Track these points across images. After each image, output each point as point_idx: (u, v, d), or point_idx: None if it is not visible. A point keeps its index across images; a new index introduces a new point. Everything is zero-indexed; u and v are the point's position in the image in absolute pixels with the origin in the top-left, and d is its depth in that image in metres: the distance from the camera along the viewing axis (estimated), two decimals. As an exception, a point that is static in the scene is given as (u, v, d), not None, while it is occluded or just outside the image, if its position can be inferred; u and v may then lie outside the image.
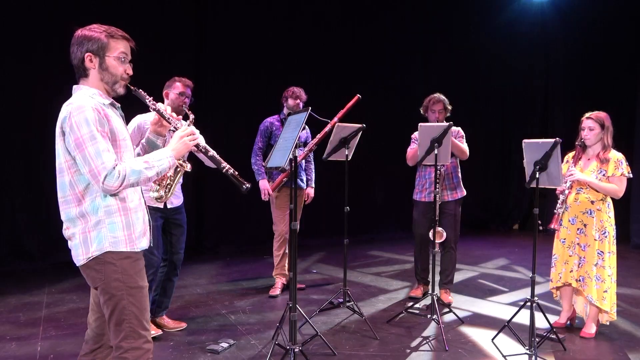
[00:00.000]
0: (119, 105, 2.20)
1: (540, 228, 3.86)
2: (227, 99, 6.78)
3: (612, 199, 3.70)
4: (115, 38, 2.10)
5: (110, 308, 2.07)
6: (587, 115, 3.75)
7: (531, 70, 8.59)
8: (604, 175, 3.64)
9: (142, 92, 2.26)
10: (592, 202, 3.67)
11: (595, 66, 7.75)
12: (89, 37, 2.07)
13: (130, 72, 2.17)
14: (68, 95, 2.13)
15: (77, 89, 2.12)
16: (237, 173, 2.30)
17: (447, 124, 3.85)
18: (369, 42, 7.59)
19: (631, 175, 3.63)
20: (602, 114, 3.72)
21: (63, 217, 2.10)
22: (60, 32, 5.79)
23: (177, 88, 3.68)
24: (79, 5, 5.63)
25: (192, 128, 2.27)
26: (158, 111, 2.32)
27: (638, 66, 7.23)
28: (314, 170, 4.97)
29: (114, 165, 1.97)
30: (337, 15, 7.49)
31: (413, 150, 4.46)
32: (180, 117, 3.69)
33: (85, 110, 1.98)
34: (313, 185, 4.95)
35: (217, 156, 2.31)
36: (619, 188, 3.60)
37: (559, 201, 3.68)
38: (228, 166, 2.30)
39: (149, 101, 2.28)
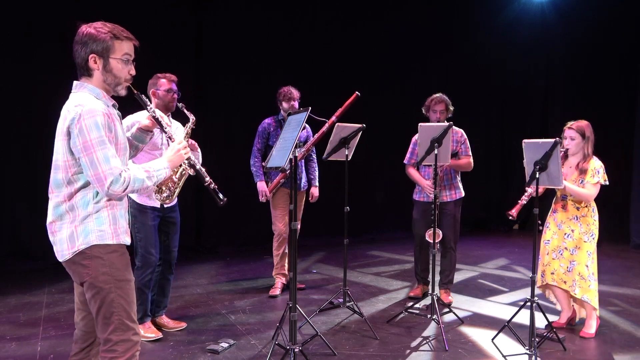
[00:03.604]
0: (117, 105, 2.22)
1: (541, 228, 3.88)
2: (226, 100, 6.77)
3: (598, 205, 3.79)
4: (120, 39, 2.10)
5: (99, 302, 2.08)
6: (568, 125, 3.79)
7: (531, 70, 8.58)
8: (582, 184, 3.71)
9: (144, 98, 2.31)
10: (578, 209, 3.76)
11: (595, 66, 7.74)
12: (94, 38, 2.07)
13: (134, 72, 2.18)
14: (68, 93, 2.13)
15: (80, 86, 2.12)
16: (216, 187, 2.44)
17: (447, 124, 3.86)
18: (368, 43, 7.58)
19: (607, 183, 3.71)
20: (583, 123, 3.77)
21: (50, 209, 2.12)
22: (60, 31, 5.79)
23: (163, 85, 3.64)
24: (79, 5, 5.62)
25: (185, 143, 2.33)
26: (157, 119, 2.39)
27: (638, 66, 7.23)
28: (317, 169, 4.95)
29: (121, 172, 2.01)
30: (337, 16, 7.48)
31: (410, 173, 4.54)
32: (169, 114, 3.72)
33: (96, 114, 1.99)
34: (317, 184, 4.92)
35: (203, 170, 2.44)
36: (589, 193, 3.67)
37: (527, 193, 3.66)
38: (210, 180, 2.43)
39: (150, 108, 2.36)
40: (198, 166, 2.41)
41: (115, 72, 2.11)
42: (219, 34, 6.68)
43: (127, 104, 2.36)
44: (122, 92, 2.18)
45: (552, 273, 3.79)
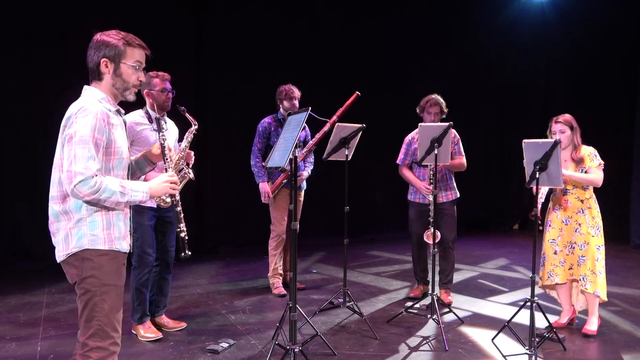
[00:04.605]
0: (123, 111, 2.24)
1: (540, 228, 3.88)
2: (227, 100, 6.76)
3: (597, 194, 3.82)
4: (133, 46, 2.16)
5: (83, 303, 2.09)
6: (554, 119, 3.83)
7: (531, 70, 8.58)
8: (585, 171, 3.75)
9: (163, 123, 2.46)
10: (582, 201, 3.77)
11: (595, 66, 7.74)
12: (107, 43, 2.12)
13: (143, 79, 2.23)
14: (71, 94, 2.16)
15: (87, 90, 2.16)
16: (186, 239, 2.44)
17: (448, 124, 3.86)
18: (368, 43, 7.59)
19: (603, 163, 3.75)
20: (568, 116, 3.83)
21: (49, 211, 2.14)
22: (60, 32, 5.80)
23: (157, 85, 3.60)
24: (79, 6, 5.63)
25: (176, 178, 2.31)
26: (163, 148, 2.41)
27: (638, 66, 7.23)
28: (312, 162, 4.87)
29: (94, 175, 1.98)
30: (337, 16, 7.48)
31: (404, 174, 4.57)
32: (164, 113, 3.68)
33: (90, 114, 2.02)
34: (308, 171, 4.79)
35: (181, 215, 2.41)
36: (597, 176, 3.70)
37: (540, 195, 3.70)
38: (183, 229, 2.42)
39: (162, 135, 2.44)
40: (179, 208, 2.39)
41: (125, 77, 2.15)
42: (219, 34, 6.67)
43: (124, 106, 2.37)
44: (130, 97, 2.22)
45: (570, 268, 3.78)
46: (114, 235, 2.13)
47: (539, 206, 3.60)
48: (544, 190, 3.75)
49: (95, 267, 2.08)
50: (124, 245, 2.19)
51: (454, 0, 8.14)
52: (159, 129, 2.46)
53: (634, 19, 7.34)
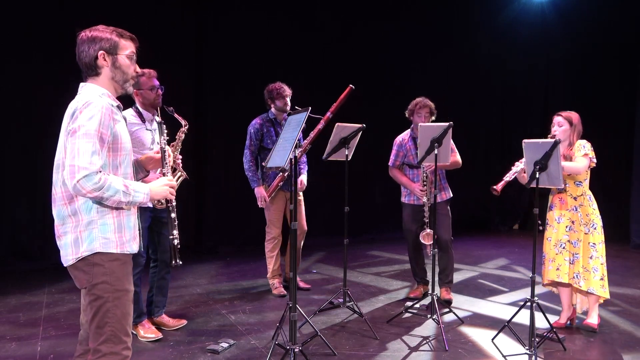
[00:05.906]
0: (122, 107, 2.23)
1: (540, 228, 3.88)
2: (227, 99, 6.76)
3: (598, 203, 3.79)
4: (125, 38, 2.15)
5: (94, 310, 2.06)
6: (558, 113, 3.84)
7: (531, 70, 8.58)
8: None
9: (164, 127, 2.47)
10: (575, 199, 3.75)
11: (595, 66, 7.74)
12: (100, 37, 2.09)
13: (139, 70, 2.22)
14: (71, 93, 2.14)
15: (85, 86, 2.12)
16: (178, 247, 2.40)
17: (448, 123, 3.86)
18: (368, 43, 7.59)
19: (594, 160, 3.69)
20: (572, 113, 3.81)
21: (54, 213, 2.10)
22: (60, 31, 5.80)
23: (144, 84, 3.54)
24: (79, 5, 5.63)
25: (175, 184, 2.31)
26: (163, 152, 2.40)
27: (638, 66, 7.23)
28: (306, 162, 4.85)
29: (98, 170, 1.94)
30: (337, 16, 7.47)
31: (396, 176, 4.58)
32: (155, 111, 3.62)
33: (94, 107, 1.99)
34: (305, 173, 4.79)
35: (175, 223, 2.39)
36: (578, 164, 3.64)
37: (512, 171, 3.68)
38: (176, 236, 2.38)
39: (163, 138, 2.43)
40: (174, 215, 2.37)
41: (124, 69, 2.14)
42: (219, 33, 6.67)
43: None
44: (131, 89, 2.21)
45: (558, 269, 3.77)
46: (125, 238, 2.11)
47: (508, 179, 3.65)
48: (516, 170, 3.67)
49: (107, 273, 2.05)
50: (134, 246, 2.17)
51: (454, 0, 8.14)
52: (161, 133, 2.44)
53: (634, 19, 7.34)
